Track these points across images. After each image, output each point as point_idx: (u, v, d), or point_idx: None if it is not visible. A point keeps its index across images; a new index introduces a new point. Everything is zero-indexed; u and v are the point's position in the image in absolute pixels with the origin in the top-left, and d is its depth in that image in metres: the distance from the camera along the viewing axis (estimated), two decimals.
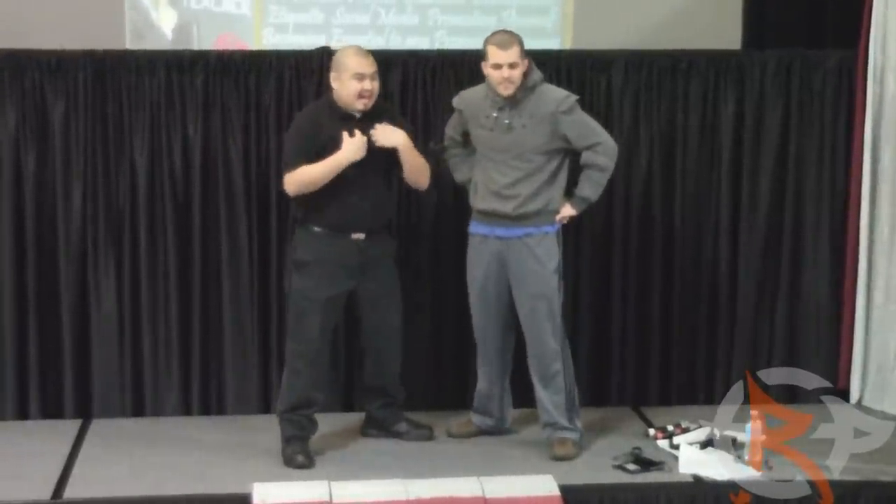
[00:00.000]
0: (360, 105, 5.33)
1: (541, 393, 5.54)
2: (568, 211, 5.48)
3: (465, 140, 5.61)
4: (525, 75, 5.39)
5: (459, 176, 5.66)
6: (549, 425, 5.56)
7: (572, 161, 5.50)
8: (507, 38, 5.38)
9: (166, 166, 5.94)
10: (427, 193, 5.77)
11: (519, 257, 5.46)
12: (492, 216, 5.47)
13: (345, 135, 5.30)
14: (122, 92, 5.89)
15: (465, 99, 5.57)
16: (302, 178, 5.31)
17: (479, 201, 5.52)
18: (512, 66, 5.33)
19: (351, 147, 5.29)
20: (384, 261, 5.53)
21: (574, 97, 5.46)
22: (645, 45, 6.31)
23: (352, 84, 5.31)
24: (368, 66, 5.32)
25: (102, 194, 5.92)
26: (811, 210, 6.23)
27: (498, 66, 5.35)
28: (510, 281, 5.50)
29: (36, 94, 5.85)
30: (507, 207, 5.42)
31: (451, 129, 5.65)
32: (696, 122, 6.18)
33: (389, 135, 5.36)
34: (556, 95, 5.45)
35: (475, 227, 5.56)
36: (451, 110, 5.75)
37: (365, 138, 5.30)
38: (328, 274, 5.40)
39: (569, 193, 5.50)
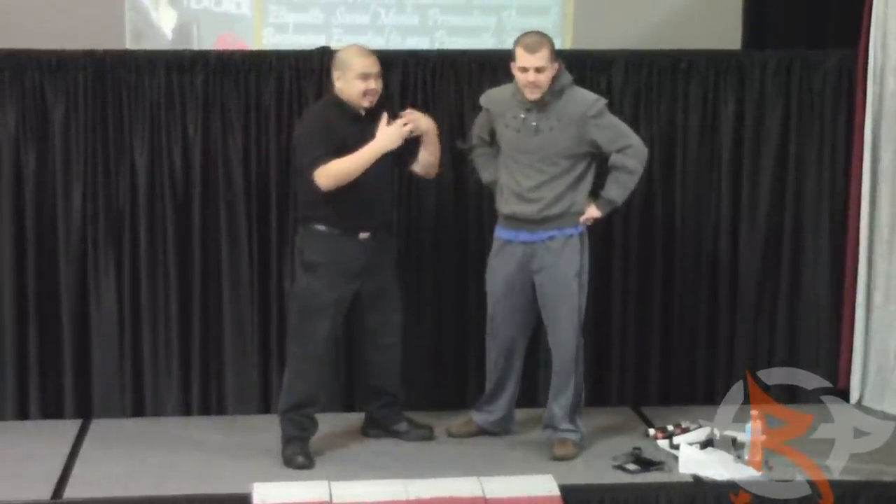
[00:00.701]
0: (365, 103, 5.34)
1: (552, 392, 5.54)
2: (593, 212, 5.44)
3: (492, 139, 5.58)
4: (554, 78, 5.35)
5: (486, 176, 5.63)
6: (549, 426, 5.56)
7: (599, 164, 5.48)
8: (536, 40, 5.32)
9: (166, 166, 5.94)
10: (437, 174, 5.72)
11: (542, 260, 5.44)
12: (516, 220, 5.45)
13: (381, 123, 5.26)
14: (122, 92, 5.88)
15: (493, 98, 5.54)
16: (338, 170, 5.25)
17: (503, 205, 5.49)
18: (539, 70, 5.29)
19: (389, 135, 5.26)
20: (386, 260, 5.54)
21: (603, 101, 5.42)
22: (645, 45, 6.31)
23: (357, 84, 5.31)
24: (373, 66, 5.33)
25: (102, 194, 5.92)
26: (811, 210, 6.23)
27: (524, 70, 5.30)
28: (534, 282, 5.49)
29: (36, 94, 5.85)
30: (531, 210, 5.40)
31: (478, 129, 5.62)
32: (696, 122, 6.18)
33: (420, 120, 5.35)
34: (585, 99, 5.41)
35: (500, 232, 5.54)
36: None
37: (403, 126, 5.27)
38: (337, 276, 5.40)
39: (594, 195, 5.48)
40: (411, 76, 6.02)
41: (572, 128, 5.35)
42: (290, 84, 5.96)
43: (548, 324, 5.52)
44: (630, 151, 5.40)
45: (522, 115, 5.39)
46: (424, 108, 6.00)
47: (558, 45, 6.45)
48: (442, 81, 6.02)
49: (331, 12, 6.45)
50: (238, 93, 5.94)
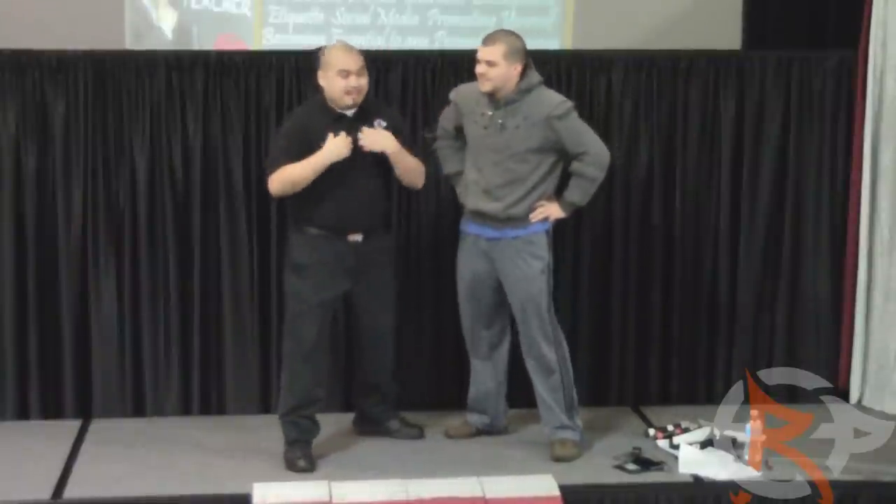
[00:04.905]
0: (348, 101, 5.32)
1: (540, 392, 5.54)
2: (556, 212, 5.45)
3: (457, 133, 5.59)
4: (522, 77, 5.37)
5: (448, 167, 5.64)
6: (549, 426, 5.56)
7: (565, 164, 5.49)
8: (493, 35, 5.40)
9: (166, 166, 5.94)
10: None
11: (506, 259, 5.45)
12: (482, 216, 5.46)
13: (329, 135, 5.28)
14: (122, 92, 5.89)
15: (462, 93, 5.55)
16: (284, 177, 5.30)
17: (469, 200, 5.50)
18: (489, 63, 5.32)
19: (332, 147, 5.27)
20: (381, 261, 5.52)
21: (570, 103, 5.43)
22: (645, 45, 6.31)
23: (338, 81, 5.30)
24: (353, 63, 5.29)
25: (102, 194, 5.92)
26: (811, 210, 6.23)
27: (477, 62, 5.36)
28: (500, 281, 5.50)
29: (36, 94, 5.85)
30: (496, 208, 5.41)
31: (444, 121, 5.62)
32: (696, 122, 6.18)
33: (377, 139, 5.33)
34: (551, 100, 5.42)
35: (466, 226, 5.56)
36: None
37: (349, 139, 5.27)
38: (324, 277, 5.40)
39: (557, 194, 5.49)
40: (411, 76, 6.02)
41: (537, 127, 5.36)
42: (290, 84, 5.96)
43: (518, 323, 5.53)
44: (587, 159, 5.39)
45: (490, 113, 5.41)
46: (424, 109, 6.02)
47: (558, 46, 6.46)
48: (442, 81, 6.02)
49: (331, 12, 6.44)
50: (238, 93, 5.94)
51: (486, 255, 5.49)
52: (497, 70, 5.33)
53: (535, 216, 5.43)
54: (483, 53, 5.35)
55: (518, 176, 5.39)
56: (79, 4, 6.22)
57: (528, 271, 5.44)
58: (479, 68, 5.35)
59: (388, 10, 6.47)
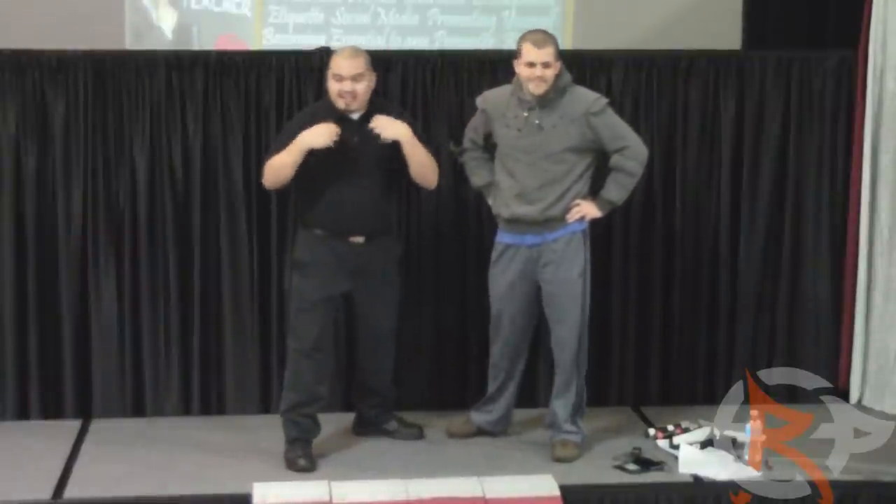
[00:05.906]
0: (340, 104, 5.31)
1: (554, 392, 5.54)
2: (593, 211, 5.44)
3: (485, 143, 5.57)
4: (556, 76, 5.36)
5: (477, 180, 5.61)
6: (552, 426, 5.56)
7: (599, 163, 5.49)
8: (542, 37, 5.34)
9: (166, 166, 5.94)
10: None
11: (546, 263, 5.43)
12: (519, 223, 5.43)
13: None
14: (122, 92, 5.88)
15: (490, 99, 5.52)
16: (269, 166, 5.34)
17: (503, 208, 5.47)
18: (545, 65, 5.29)
19: (314, 131, 5.24)
20: (385, 265, 5.51)
21: (605, 99, 5.44)
22: (645, 45, 6.31)
23: (332, 84, 5.31)
24: (347, 69, 5.27)
25: (102, 194, 5.92)
26: (811, 210, 6.23)
27: (532, 65, 5.30)
28: (539, 283, 5.48)
29: (36, 94, 5.85)
30: (534, 211, 5.38)
31: (471, 131, 5.60)
32: (696, 122, 6.18)
33: (390, 127, 5.30)
34: (587, 97, 5.43)
35: (502, 237, 5.51)
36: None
37: (333, 128, 5.23)
38: (325, 276, 5.40)
39: (593, 194, 5.48)
40: (411, 76, 6.02)
41: (575, 125, 5.36)
42: (290, 84, 5.96)
43: (551, 324, 5.51)
44: (628, 153, 5.40)
45: (525, 114, 5.38)
46: (424, 109, 6.02)
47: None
48: (442, 81, 6.02)
49: (331, 12, 6.45)
50: (238, 93, 5.94)
51: (527, 263, 5.45)
52: (551, 70, 5.32)
53: (572, 216, 5.42)
54: (539, 56, 5.29)
55: (554, 177, 5.38)
56: (79, 4, 6.23)
57: (568, 275, 5.43)
58: (537, 71, 5.29)
59: (388, 10, 6.48)
